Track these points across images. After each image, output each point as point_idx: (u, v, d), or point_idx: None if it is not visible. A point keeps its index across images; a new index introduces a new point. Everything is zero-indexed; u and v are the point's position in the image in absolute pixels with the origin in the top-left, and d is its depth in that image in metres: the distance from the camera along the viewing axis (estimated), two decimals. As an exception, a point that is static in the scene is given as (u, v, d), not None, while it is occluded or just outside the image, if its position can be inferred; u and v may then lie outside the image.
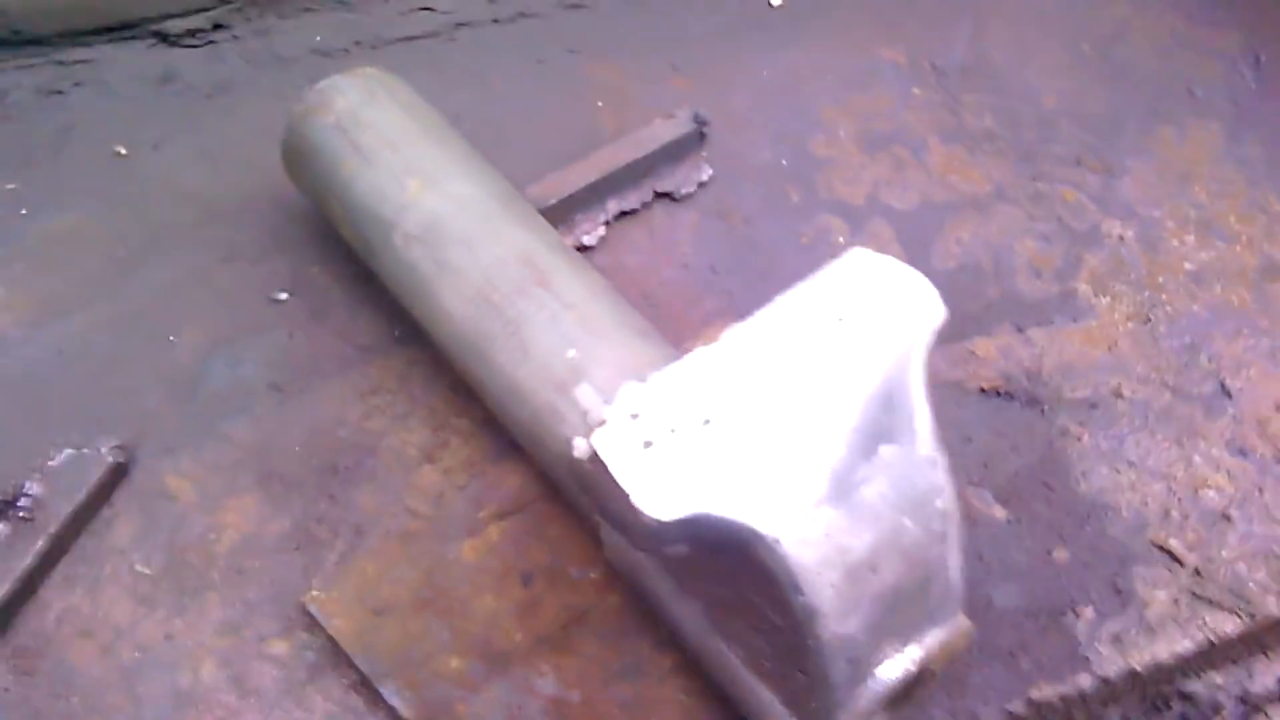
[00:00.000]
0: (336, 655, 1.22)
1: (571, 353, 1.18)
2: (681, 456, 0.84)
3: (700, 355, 0.90)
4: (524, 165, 1.61)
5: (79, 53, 1.78)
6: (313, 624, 1.24)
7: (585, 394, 1.14)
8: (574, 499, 1.22)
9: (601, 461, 0.83)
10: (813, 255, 1.63)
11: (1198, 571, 1.31)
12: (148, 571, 1.30)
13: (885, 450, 0.89)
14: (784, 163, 1.75)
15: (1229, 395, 1.48)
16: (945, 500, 0.92)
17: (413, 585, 1.22)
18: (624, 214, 1.65)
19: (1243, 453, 1.43)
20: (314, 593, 1.22)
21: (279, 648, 1.24)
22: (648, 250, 1.63)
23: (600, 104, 1.82)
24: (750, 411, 0.87)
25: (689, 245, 1.64)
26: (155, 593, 1.28)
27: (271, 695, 1.21)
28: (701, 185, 1.70)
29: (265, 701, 1.21)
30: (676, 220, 1.67)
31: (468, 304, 1.25)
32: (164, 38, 1.81)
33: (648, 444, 0.84)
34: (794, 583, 0.86)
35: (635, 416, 0.86)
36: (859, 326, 0.93)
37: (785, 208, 1.69)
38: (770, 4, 2.00)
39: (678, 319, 1.52)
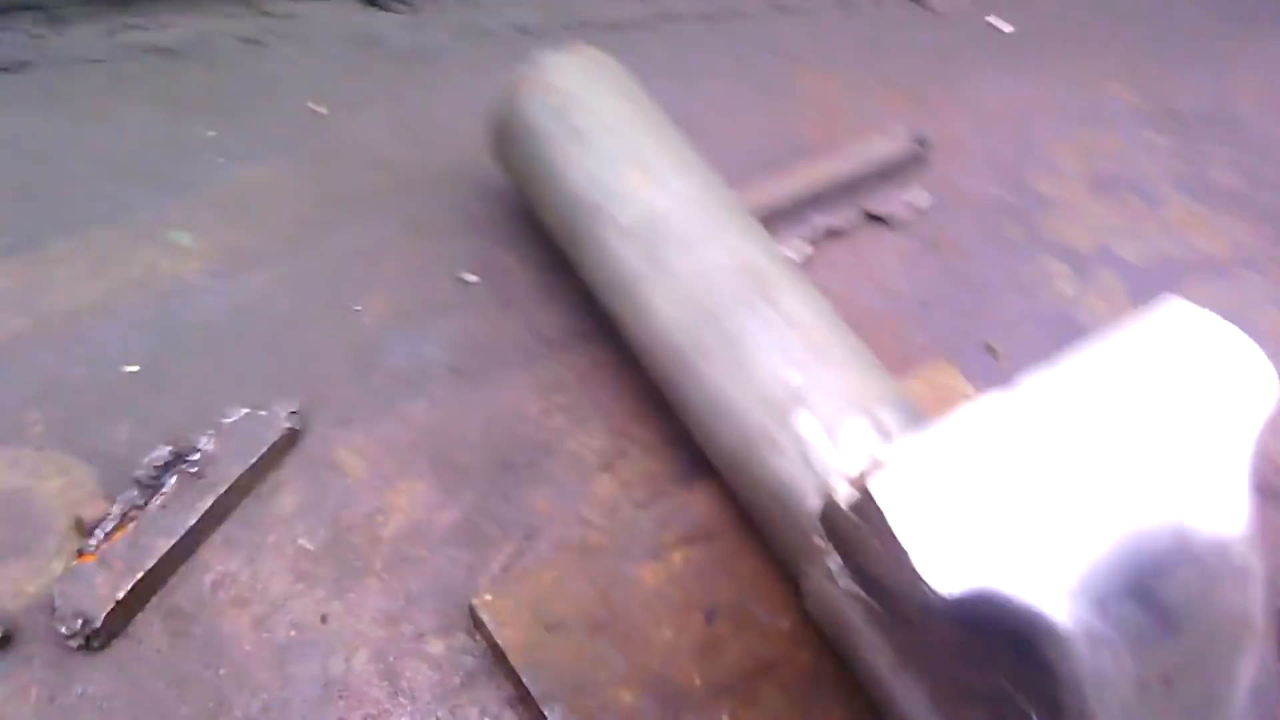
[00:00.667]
0: (495, 664, 1.15)
1: (795, 376, 1.08)
2: (973, 521, 0.73)
3: (993, 403, 0.80)
4: (724, 169, 1.52)
5: (285, 6, 1.75)
6: (474, 626, 1.16)
7: (807, 424, 1.05)
8: (774, 534, 1.12)
9: (877, 512, 0.73)
10: (1033, 299, 1.50)
11: None
12: (310, 546, 1.24)
13: (1199, 546, 0.77)
14: (1004, 196, 1.63)
15: None
16: (1254, 617, 0.79)
17: (588, 603, 1.13)
18: (831, 233, 1.55)
19: None
20: (485, 596, 1.14)
21: (436, 647, 1.17)
22: (854, 275, 1.53)
23: (808, 112, 1.72)
24: (1052, 477, 0.76)
25: (899, 274, 1.53)
26: (315, 570, 1.22)
27: (424, 699, 1.14)
28: (918, 213, 1.58)
29: (417, 705, 1.13)
30: (886, 246, 1.56)
31: (680, 308, 1.16)
32: (370, 0, 1.77)
33: (934, 501, 0.74)
34: (1079, 689, 0.74)
35: (919, 466, 0.75)
36: (1179, 393, 0.81)
37: (1004, 245, 1.57)
38: (998, 28, 1.87)
39: (883, 352, 1.40)
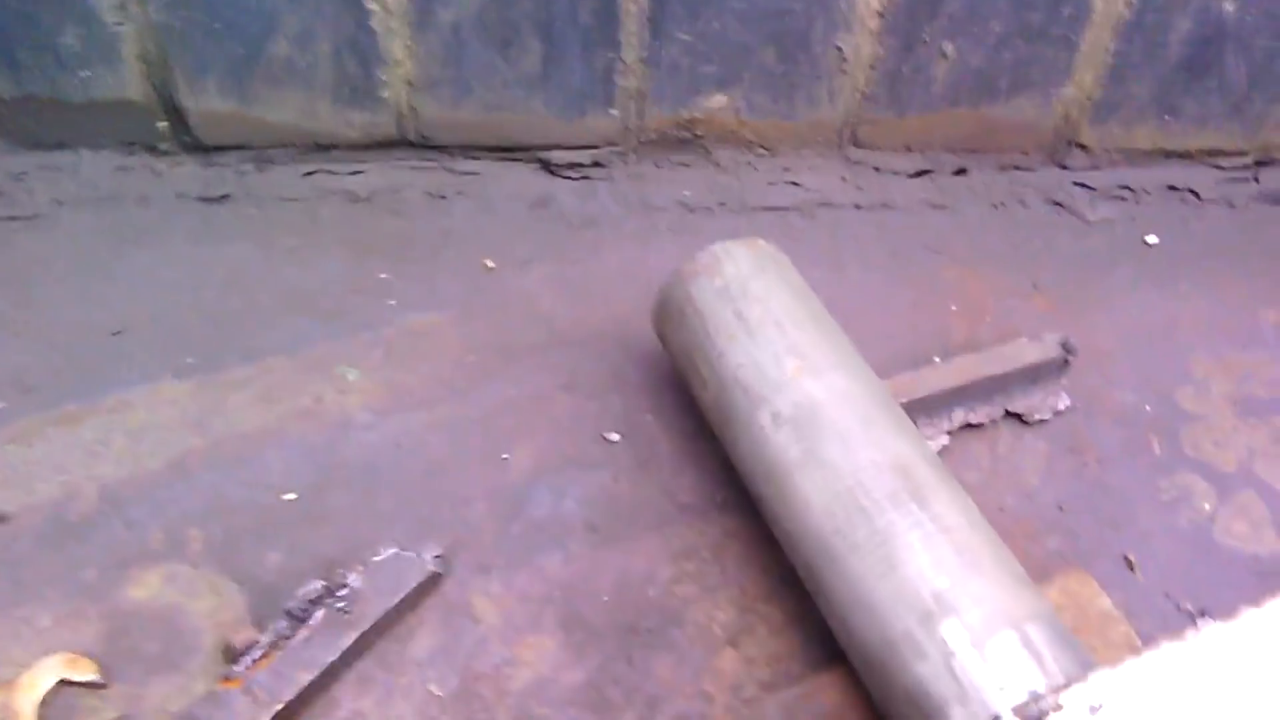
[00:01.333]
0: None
1: (944, 581, 1.09)
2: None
3: (1174, 654, 0.79)
4: (870, 358, 1.56)
5: (469, 165, 1.89)
6: (594, 795, 1.17)
7: (953, 632, 1.05)
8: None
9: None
10: (1172, 513, 1.48)
11: None
12: (439, 693, 1.27)
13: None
14: (1148, 408, 1.63)
15: None
16: None
17: (711, 786, 1.13)
18: (969, 426, 1.56)
19: None
20: (609, 764, 1.15)
21: (554, 811, 1.18)
22: (989, 471, 1.53)
23: (954, 308, 1.76)
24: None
25: (1035, 475, 1.53)
26: (442, 717, 1.25)
27: None
28: (1057, 414, 1.59)
29: None
30: (1024, 445, 1.57)
31: (833, 500, 1.19)
32: (546, 166, 1.89)
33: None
34: None
35: (1096, 711, 0.75)
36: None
37: (1145, 457, 1.56)
38: (1144, 240, 1.90)
39: (1018, 554, 1.40)
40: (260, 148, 1.83)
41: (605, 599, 1.36)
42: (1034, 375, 1.61)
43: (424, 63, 1.75)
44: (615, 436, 1.54)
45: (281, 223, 1.81)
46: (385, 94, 1.78)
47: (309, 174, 1.85)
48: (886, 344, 1.64)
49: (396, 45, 1.72)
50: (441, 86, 1.78)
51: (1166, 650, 0.79)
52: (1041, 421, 1.59)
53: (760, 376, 1.30)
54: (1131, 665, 0.77)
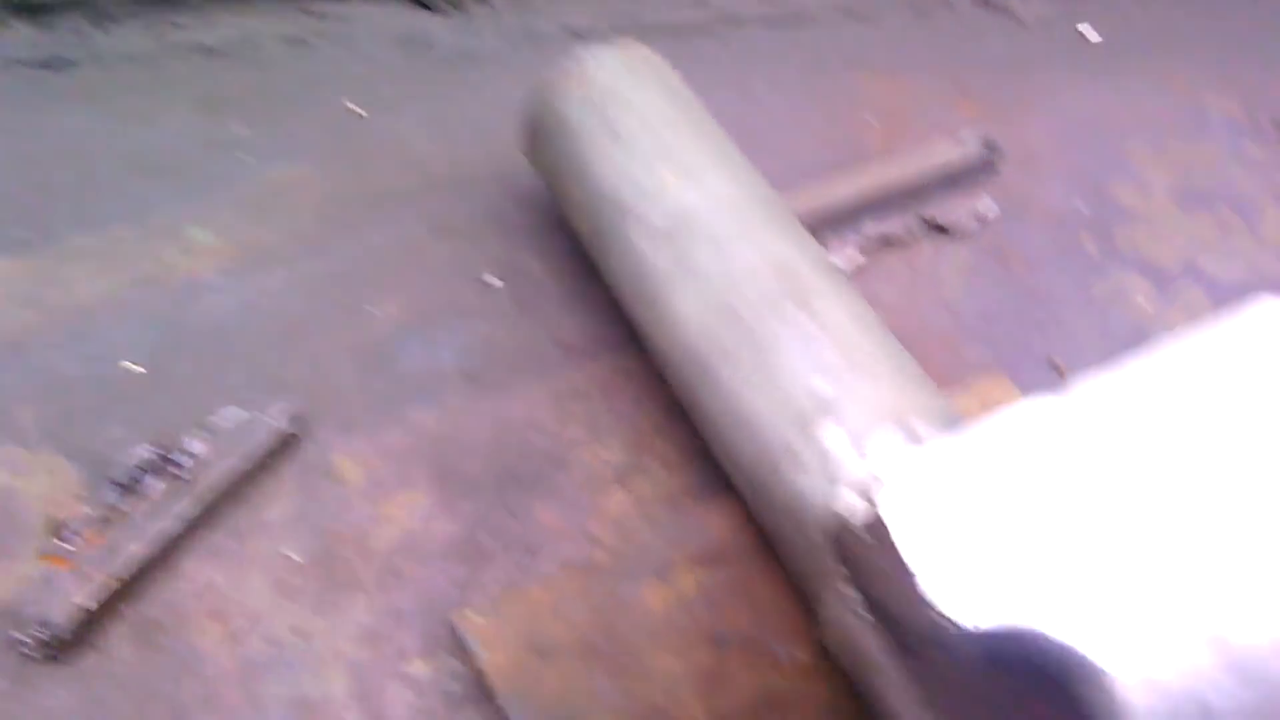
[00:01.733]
0: (482, 690, 1.04)
1: (825, 386, 0.96)
2: (1002, 547, 0.60)
3: (1035, 408, 0.66)
4: (780, 176, 1.42)
5: (332, 7, 1.71)
6: (462, 648, 1.05)
7: (833, 436, 0.92)
8: (793, 557, 0.99)
9: (885, 534, 0.60)
10: (1107, 316, 1.36)
11: None
12: (296, 558, 1.15)
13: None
14: (1081, 208, 1.49)
15: None
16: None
17: (584, 628, 1.01)
18: (884, 241, 1.42)
19: None
20: (472, 616, 1.03)
21: (420, 670, 1.07)
22: (908, 286, 1.40)
23: (873, 121, 1.60)
24: (1105, 498, 0.62)
25: (958, 286, 1.39)
26: (300, 583, 1.14)
27: (401, 727, 1.03)
28: (982, 222, 1.45)
29: (393, 733, 1.03)
30: (946, 257, 1.43)
31: (707, 311, 1.05)
32: (420, 1, 1.71)
33: (956, 523, 0.61)
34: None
35: (940, 482, 0.62)
36: (1268, 400, 0.66)
37: (1077, 259, 1.42)
38: (1083, 36, 1.73)
39: (937, 367, 1.27)
40: (100, 5, 1.66)
41: (483, 449, 1.24)
42: (954, 179, 1.47)
43: (263, -112, 1.56)
44: (495, 280, 1.40)
45: (126, 84, 1.64)
46: (224, -69, 1.60)
47: (154, 30, 1.67)
48: (796, 160, 1.50)
49: None
50: (288, -85, 1.60)
51: (1028, 405, 0.66)
52: (968, 232, 1.44)
53: (632, 188, 1.15)
54: (981, 427, 0.64)
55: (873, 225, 1.43)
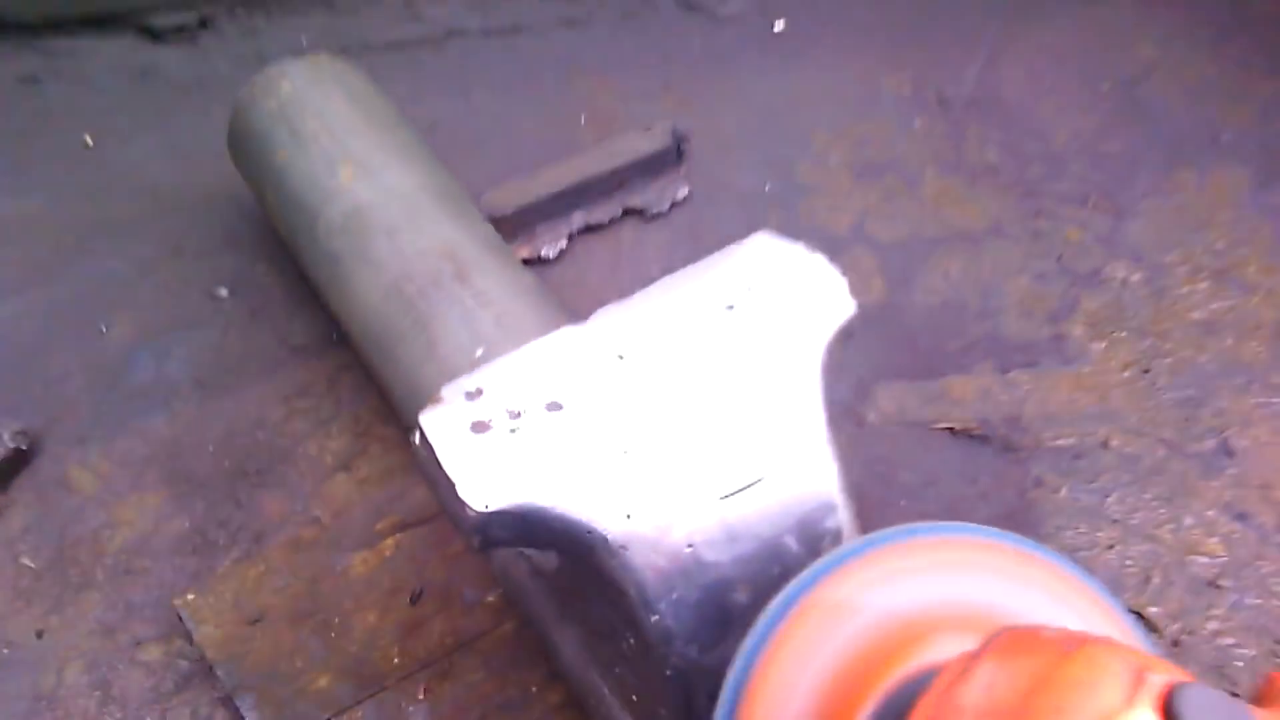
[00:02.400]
0: (210, 666, 1.13)
1: (479, 351, 1.08)
2: (520, 442, 0.74)
3: (564, 335, 0.81)
4: (494, 173, 1.55)
5: (61, 44, 1.76)
6: (188, 630, 1.15)
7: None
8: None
9: (427, 443, 0.74)
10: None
11: (1176, 643, 1.16)
12: (32, 565, 1.22)
13: (770, 456, 0.78)
14: (766, 187, 1.66)
15: (1231, 454, 1.33)
16: (838, 520, 0.80)
17: (293, 595, 1.12)
18: (591, 229, 1.57)
19: (1242, 517, 1.27)
20: (188, 596, 1.13)
21: (153, 654, 1.16)
22: (611, 268, 1.54)
23: (583, 118, 1.75)
24: (611, 399, 0.77)
25: (656, 266, 1.54)
26: (36, 587, 1.21)
27: (134, 705, 1.12)
28: (676, 204, 1.61)
29: (127, 712, 1.12)
30: (646, 239, 1.58)
31: (382, 298, 1.17)
32: (149, 32, 1.78)
33: (481, 426, 0.74)
34: (644, 598, 0.74)
35: (474, 395, 0.76)
36: (751, 316, 0.83)
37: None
38: (772, 28, 1.92)
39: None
40: None
41: (211, 449, 1.33)
42: (650, 167, 1.62)
43: (-27, -67, 1.61)
44: (224, 292, 1.49)
45: None
46: (-58, -25, 1.64)
47: (-123, 75, 1.70)
48: (511, 160, 1.62)
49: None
50: (4, -42, 1.65)
51: (555, 335, 0.80)
52: (660, 214, 1.60)
53: (314, 188, 1.26)
54: (513, 356, 0.78)
55: (580, 214, 1.57)
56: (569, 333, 0.81)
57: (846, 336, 0.85)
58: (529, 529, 0.74)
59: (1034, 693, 0.46)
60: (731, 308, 0.83)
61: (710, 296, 0.84)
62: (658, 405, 0.78)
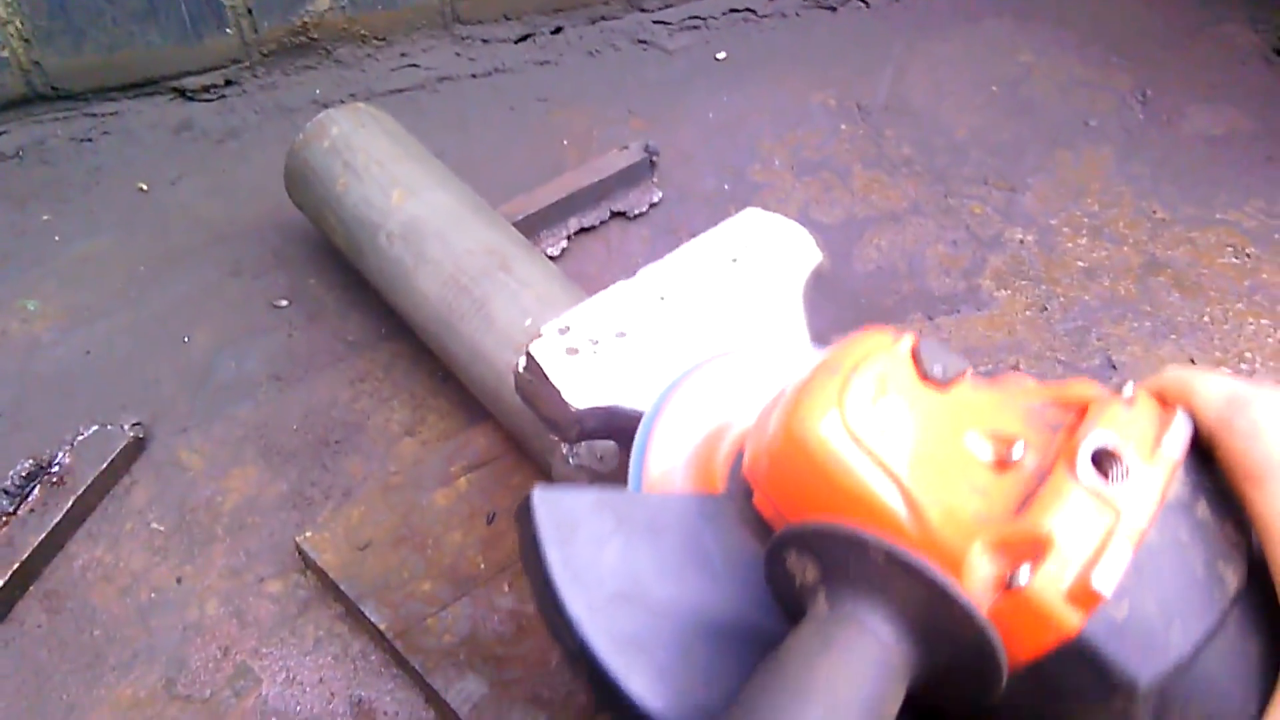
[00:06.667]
0: (324, 592, 1.41)
1: (528, 321, 1.39)
2: (600, 360, 1.05)
3: (620, 286, 1.12)
4: (498, 192, 1.85)
5: (107, 106, 2.03)
6: (305, 566, 1.42)
7: (520, 358, 1.35)
8: (530, 447, 1.41)
9: (537, 365, 1.04)
10: (750, 263, 1.85)
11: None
12: (161, 528, 1.48)
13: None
14: (726, 187, 1.99)
15: (1114, 367, 1.68)
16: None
17: (391, 526, 1.40)
18: (584, 230, 1.88)
19: (1123, 414, 1.62)
20: (306, 534, 1.40)
21: (275, 587, 1.42)
22: (605, 260, 1.85)
23: (565, 142, 2.06)
24: (657, 329, 1.08)
25: (641, 255, 1.86)
26: (167, 545, 1.47)
27: (268, 625, 1.39)
28: (653, 206, 1.93)
29: (262, 630, 1.38)
30: (631, 235, 1.90)
31: (442, 288, 1.47)
32: (182, 93, 2.06)
33: (572, 350, 1.05)
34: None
35: (564, 331, 1.06)
36: (750, 265, 1.14)
37: (726, 224, 1.92)
38: (715, 57, 2.26)
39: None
40: (-107, 128, 1.92)
41: (295, 427, 1.60)
42: (629, 178, 1.94)
43: (31, 17, 1.88)
44: (284, 302, 1.76)
45: (-68, 192, 1.91)
46: (4, 53, 1.90)
47: (-49, 144, 1.96)
48: (510, 179, 1.93)
49: None
50: (56, 37, 1.91)
51: (613, 287, 1.11)
52: (640, 214, 1.92)
53: (372, 208, 1.56)
54: (587, 302, 1.09)
55: (574, 219, 1.88)
56: (623, 284, 1.12)
57: (818, 277, 1.17)
58: (610, 420, 1.04)
59: (819, 365, 0.71)
60: (735, 260, 1.15)
61: (719, 253, 1.16)
62: (691, 330, 1.09)
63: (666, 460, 0.94)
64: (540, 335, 1.07)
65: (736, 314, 1.11)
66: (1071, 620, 0.58)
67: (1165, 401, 0.69)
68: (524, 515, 0.76)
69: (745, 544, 0.77)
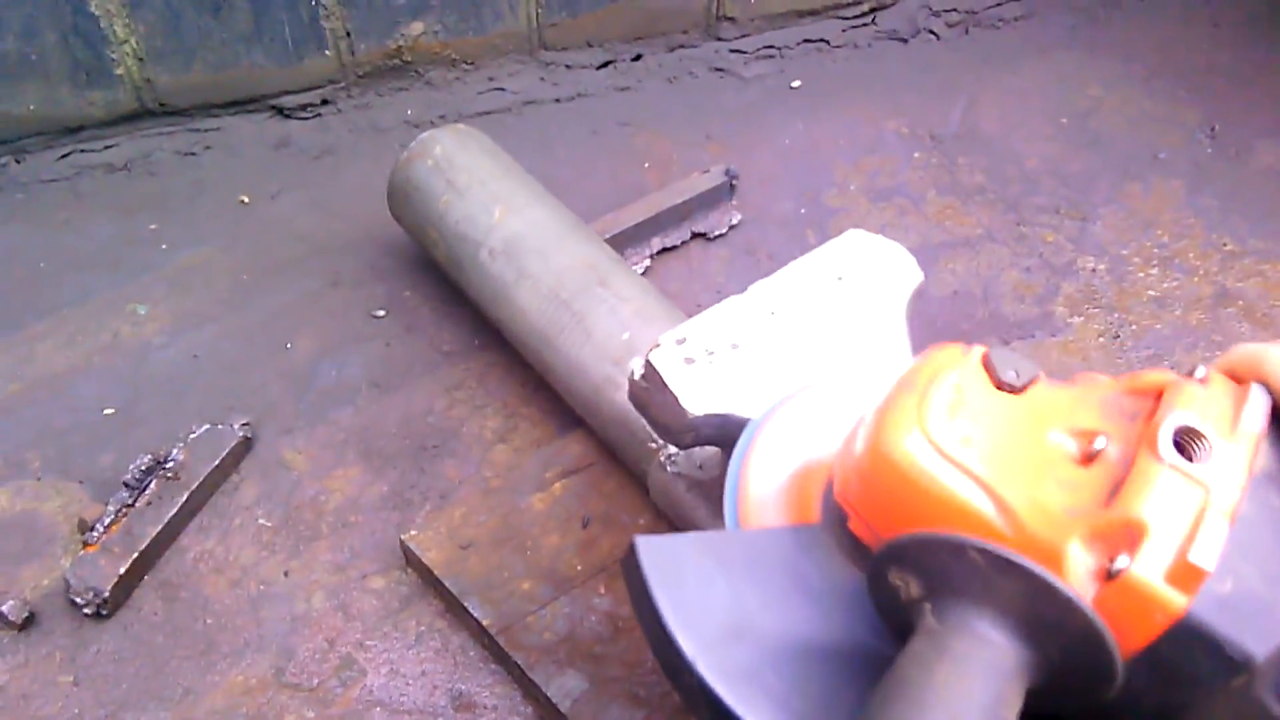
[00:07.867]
0: (426, 589, 1.47)
1: (626, 335, 1.45)
2: (716, 370, 1.11)
3: (732, 300, 1.18)
4: (582, 211, 1.92)
5: (210, 122, 2.13)
6: (407, 564, 1.49)
7: (637, 365, 1.41)
8: (626, 454, 1.47)
9: (656, 373, 1.10)
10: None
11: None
12: (269, 524, 1.56)
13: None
14: (802, 211, 2.05)
15: (1186, 395, 1.72)
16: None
17: (492, 527, 1.47)
18: (666, 249, 1.94)
19: (1197, 440, 1.66)
20: (411, 533, 1.47)
21: (378, 583, 1.49)
22: (686, 279, 1.92)
23: (646, 165, 2.14)
24: (768, 342, 1.14)
25: (721, 275, 1.92)
26: (275, 540, 1.54)
27: (372, 619, 1.45)
28: (732, 227, 1.99)
29: (366, 624, 1.45)
30: (711, 255, 1.96)
31: (542, 302, 1.54)
32: (281, 111, 2.15)
33: (689, 360, 1.11)
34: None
35: (681, 342, 1.13)
36: (855, 283, 1.20)
37: (803, 246, 1.96)
38: (790, 85, 2.33)
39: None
40: (11, 140, 2.02)
41: (394, 431, 1.67)
42: (709, 200, 2.00)
43: (146, 37, 1.98)
44: (381, 313, 1.84)
45: (47, 202, 2.01)
46: (119, 71, 2.00)
47: (64, 155, 2.05)
48: (595, 200, 2.00)
49: (118, 25, 1.95)
50: (167, 56, 2.01)
51: (727, 301, 1.17)
52: (720, 235, 1.98)
53: (475, 225, 1.63)
54: (704, 315, 1.15)
55: (657, 239, 1.95)
56: (735, 299, 1.18)
57: (919, 295, 1.23)
58: (723, 427, 1.10)
59: (896, 385, 0.73)
60: (841, 279, 1.21)
61: (825, 271, 1.22)
62: (800, 345, 1.15)
63: (760, 491, 0.98)
64: (659, 345, 1.13)
65: (843, 330, 1.17)
66: (1177, 601, 0.59)
67: (1239, 379, 0.71)
68: (630, 563, 0.77)
69: (845, 569, 0.78)
